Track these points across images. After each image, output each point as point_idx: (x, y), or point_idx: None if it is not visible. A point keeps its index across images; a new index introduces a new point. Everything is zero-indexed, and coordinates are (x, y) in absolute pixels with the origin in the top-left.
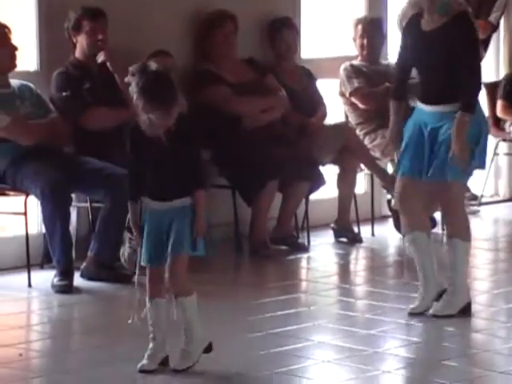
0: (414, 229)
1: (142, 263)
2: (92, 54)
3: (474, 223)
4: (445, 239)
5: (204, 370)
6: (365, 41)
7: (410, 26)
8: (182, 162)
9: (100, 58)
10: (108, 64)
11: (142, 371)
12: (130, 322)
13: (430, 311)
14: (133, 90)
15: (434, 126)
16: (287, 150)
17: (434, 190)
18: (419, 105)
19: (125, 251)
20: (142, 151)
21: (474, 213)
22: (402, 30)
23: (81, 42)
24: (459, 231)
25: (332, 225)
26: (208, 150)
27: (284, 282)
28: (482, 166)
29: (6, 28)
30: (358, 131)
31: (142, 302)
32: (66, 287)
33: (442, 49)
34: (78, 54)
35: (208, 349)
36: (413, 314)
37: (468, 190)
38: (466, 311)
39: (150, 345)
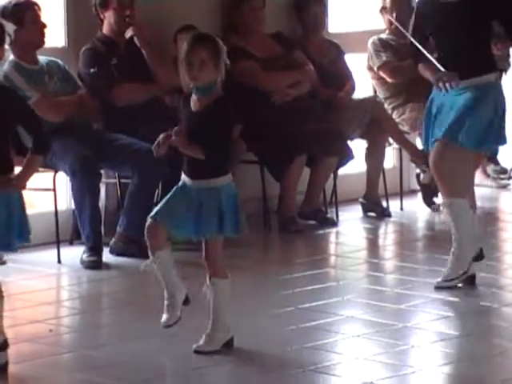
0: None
1: (152, 214)
2: (120, 29)
3: (504, 197)
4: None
5: (234, 345)
6: (394, 14)
7: None
8: (210, 144)
9: (128, 33)
10: (136, 39)
11: (166, 326)
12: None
13: (437, 280)
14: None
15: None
16: (315, 124)
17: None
18: None
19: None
20: (184, 120)
21: (504, 186)
22: (418, 1)
23: (108, 17)
24: (456, 191)
25: (360, 199)
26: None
27: (313, 256)
28: (501, 143)
29: (36, 5)
30: (386, 105)
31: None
32: (95, 263)
33: (462, 21)
34: (105, 29)
35: (229, 343)
36: (447, 281)
37: (497, 163)
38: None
39: (166, 296)
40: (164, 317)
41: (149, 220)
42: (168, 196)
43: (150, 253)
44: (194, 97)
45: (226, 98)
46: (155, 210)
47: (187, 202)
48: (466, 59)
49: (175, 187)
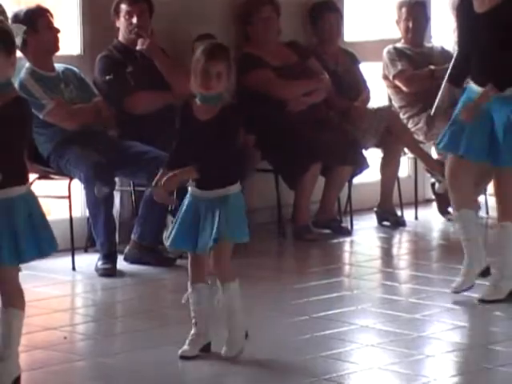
0: (462, 207)
1: (169, 246)
2: (130, 37)
3: None
4: (490, 222)
5: (248, 354)
6: (410, 23)
7: (463, 8)
8: (222, 151)
9: (138, 46)
10: (144, 52)
11: (182, 357)
12: (183, 302)
13: (478, 296)
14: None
15: (488, 108)
16: (330, 133)
17: (485, 173)
18: (472, 86)
19: (167, 235)
20: (190, 130)
21: None
22: (455, 13)
23: (120, 25)
24: (510, 215)
25: (375, 208)
26: (251, 135)
27: (327, 265)
28: None
29: (48, 12)
30: (401, 114)
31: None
32: (109, 270)
33: (495, 31)
34: (120, 37)
35: (245, 336)
36: (457, 292)
37: None
38: None
39: (192, 330)
40: (185, 348)
41: (189, 255)
42: (180, 218)
43: (189, 284)
44: (198, 105)
45: (235, 106)
46: (174, 241)
47: (198, 217)
48: (499, 70)
49: (185, 206)
